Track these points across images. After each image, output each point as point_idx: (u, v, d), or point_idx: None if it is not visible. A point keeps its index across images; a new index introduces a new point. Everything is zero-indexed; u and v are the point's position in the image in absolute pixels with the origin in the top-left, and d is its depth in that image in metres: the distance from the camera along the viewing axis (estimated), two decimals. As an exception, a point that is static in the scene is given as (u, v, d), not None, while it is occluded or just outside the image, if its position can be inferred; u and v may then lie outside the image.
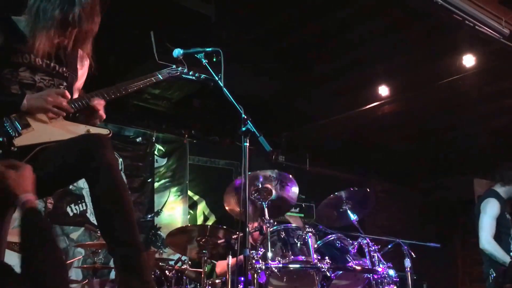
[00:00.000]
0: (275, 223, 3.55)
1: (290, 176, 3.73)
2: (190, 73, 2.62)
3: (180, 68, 2.60)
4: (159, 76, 2.47)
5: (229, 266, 3.50)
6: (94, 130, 2.10)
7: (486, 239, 4.12)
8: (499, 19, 4.64)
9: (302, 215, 6.80)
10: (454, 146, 7.77)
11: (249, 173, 3.14)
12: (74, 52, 2.29)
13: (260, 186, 3.60)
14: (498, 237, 4.14)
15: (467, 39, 5.03)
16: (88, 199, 5.74)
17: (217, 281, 3.98)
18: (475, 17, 4.46)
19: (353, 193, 3.98)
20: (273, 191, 3.68)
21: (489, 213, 4.22)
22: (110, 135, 2.13)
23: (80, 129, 2.07)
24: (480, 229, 4.21)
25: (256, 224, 3.90)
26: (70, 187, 5.67)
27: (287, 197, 3.79)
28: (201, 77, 2.64)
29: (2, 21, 2.11)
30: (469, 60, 5.36)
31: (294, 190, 3.78)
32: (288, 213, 6.40)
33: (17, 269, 4.69)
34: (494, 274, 4.11)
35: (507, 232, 4.21)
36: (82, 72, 2.39)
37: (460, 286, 8.19)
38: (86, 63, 2.42)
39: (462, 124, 7.18)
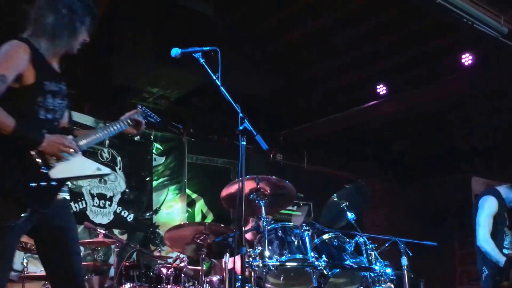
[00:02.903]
0: (273, 221, 3.56)
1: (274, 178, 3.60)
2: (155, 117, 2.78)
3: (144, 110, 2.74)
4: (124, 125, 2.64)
5: (227, 264, 3.51)
6: (102, 168, 2.48)
7: (484, 237, 4.12)
8: (498, 17, 4.63)
9: (300, 213, 6.82)
10: (452, 144, 7.78)
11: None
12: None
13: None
14: (494, 234, 4.15)
15: (466, 37, 5.03)
16: (88, 197, 5.75)
17: (214, 278, 3.99)
18: (474, 15, 4.45)
19: (347, 190, 3.98)
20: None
21: (487, 210, 4.22)
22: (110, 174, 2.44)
23: (91, 166, 2.43)
24: (477, 226, 4.21)
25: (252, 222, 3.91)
26: (70, 185, 5.69)
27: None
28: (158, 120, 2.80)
29: (35, 56, 2.26)
30: (467, 59, 5.37)
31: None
32: (285, 211, 6.43)
33: (18, 266, 4.66)
34: (487, 272, 4.12)
35: (502, 229, 4.21)
36: None
37: (458, 285, 8.20)
38: None
39: (460, 122, 7.19)
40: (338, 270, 3.44)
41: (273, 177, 3.57)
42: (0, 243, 2.14)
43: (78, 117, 5.79)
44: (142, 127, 2.69)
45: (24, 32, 2.35)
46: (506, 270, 4.00)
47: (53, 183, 2.25)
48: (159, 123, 2.82)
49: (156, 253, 5.62)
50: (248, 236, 4.11)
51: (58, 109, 2.34)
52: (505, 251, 4.12)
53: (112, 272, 5.00)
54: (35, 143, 2.20)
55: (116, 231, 5.83)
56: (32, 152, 2.20)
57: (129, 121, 2.64)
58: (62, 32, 2.34)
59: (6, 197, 2.13)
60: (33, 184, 2.18)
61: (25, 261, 4.41)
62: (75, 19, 2.37)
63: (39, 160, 2.22)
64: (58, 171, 2.26)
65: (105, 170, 2.50)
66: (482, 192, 4.47)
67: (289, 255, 3.27)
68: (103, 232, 4.37)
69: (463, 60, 5.39)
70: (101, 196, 5.84)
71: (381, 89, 6.16)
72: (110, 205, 5.90)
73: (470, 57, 5.35)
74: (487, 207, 4.22)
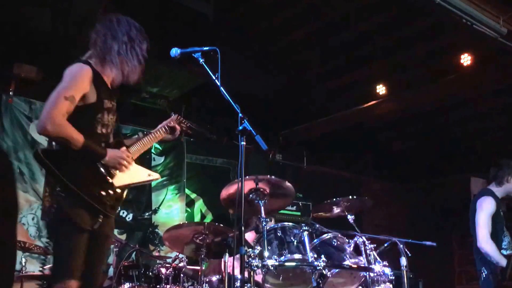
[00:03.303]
0: (272, 221, 3.55)
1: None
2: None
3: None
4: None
5: (227, 264, 3.51)
6: (152, 174, 2.76)
7: (484, 239, 4.09)
8: (497, 18, 4.63)
9: (299, 213, 6.82)
10: (451, 145, 7.79)
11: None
12: None
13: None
14: (494, 235, 4.15)
15: (465, 37, 5.04)
16: (86, 196, 5.75)
17: (213, 278, 3.99)
18: (473, 15, 4.45)
19: (350, 199, 3.99)
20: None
21: (486, 211, 4.20)
22: (159, 178, 2.88)
23: (143, 172, 2.71)
24: (477, 227, 4.19)
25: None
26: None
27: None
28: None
29: (96, 77, 2.50)
30: (466, 59, 5.37)
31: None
32: (284, 211, 6.43)
33: (16, 265, 4.66)
34: (486, 272, 4.12)
35: (501, 229, 4.21)
36: None
37: (456, 285, 8.22)
38: None
39: (459, 123, 7.20)
40: (337, 270, 3.44)
41: (273, 177, 3.57)
42: (77, 243, 2.37)
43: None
44: (177, 132, 2.96)
45: (86, 53, 2.58)
46: (507, 270, 3.99)
47: (118, 190, 2.54)
48: (191, 128, 3.11)
49: (155, 253, 5.62)
50: (250, 238, 4.11)
51: (110, 124, 2.60)
52: (504, 252, 4.11)
53: (111, 272, 5.00)
54: (100, 157, 2.48)
55: (114, 231, 5.83)
56: (98, 165, 2.48)
57: (166, 128, 2.90)
58: (129, 59, 2.57)
59: (87, 206, 2.37)
60: (104, 193, 2.46)
61: (24, 260, 4.40)
62: (134, 46, 2.60)
63: (103, 171, 2.49)
64: (119, 179, 2.55)
65: (154, 175, 2.77)
66: (478, 193, 4.44)
67: (288, 255, 3.27)
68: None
69: (462, 61, 5.39)
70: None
71: (381, 89, 6.16)
72: (109, 205, 5.90)
73: (469, 58, 5.35)
74: (486, 208, 4.21)
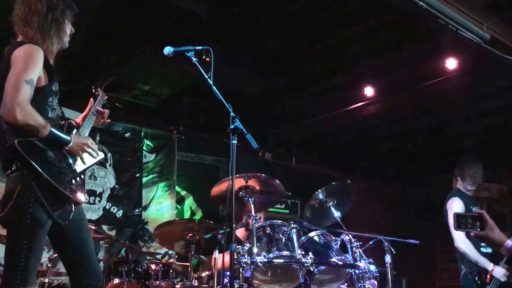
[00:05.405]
0: (261, 219, 3.63)
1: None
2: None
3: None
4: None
5: (217, 260, 3.58)
6: (99, 153, 2.58)
7: (460, 238, 4.19)
8: (481, 24, 4.76)
9: (288, 211, 6.91)
10: (436, 146, 7.94)
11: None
12: None
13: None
14: (469, 234, 4.23)
15: (450, 42, 5.16)
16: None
17: (203, 274, 4.05)
18: (458, 21, 4.57)
19: (334, 187, 4.07)
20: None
21: (455, 211, 4.28)
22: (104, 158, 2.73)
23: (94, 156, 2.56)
24: (451, 229, 4.29)
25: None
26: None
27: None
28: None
29: (47, 63, 2.37)
30: (451, 63, 5.51)
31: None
32: (273, 209, 6.52)
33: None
34: (464, 271, 4.23)
35: None
36: None
37: (437, 282, 8.39)
38: None
39: (444, 125, 7.35)
40: (324, 267, 3.53)
41: (262, 174, 3.65)
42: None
43: (71, 114, 5.80)
44: (106, 114, 2.80)
45: (18, 37, 2.42)
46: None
47: (82, 176, 2.46)
48: (107, 106, 2.92)
49: (145, 249, 5.66)
50: (240, 235, 4.18)
51: (56, 108, 2.46)
52: (483, 250, 4.21)
53: (101, 267, 5.03)
54: (65, 144, 2.36)
55: (104, 227, 5.86)
56: (63, 152, 2.37)
57: (95, 112, 2.74)
58: (49, 31, 2.40)
59: (61, 195, 2.28)
60: (74, 181, 2.37)
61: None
62: (56, 15, 2.42)
63: (69, 159, 2.39)
64: (79, 165, 2.46)
65: (101, 154, 2.62)
66: (448, 195, 4.53)
67: (277, 252, 3.35)
68: (93, 228, 4.41)
69: (447, 65, 5.53)
70: (91, 193, 5.86)
71: (368, 91, 6.29)
72: (99, 201, 5.92)
73: (454, 62, 5.49)
74: (455, 208, 4.28)
